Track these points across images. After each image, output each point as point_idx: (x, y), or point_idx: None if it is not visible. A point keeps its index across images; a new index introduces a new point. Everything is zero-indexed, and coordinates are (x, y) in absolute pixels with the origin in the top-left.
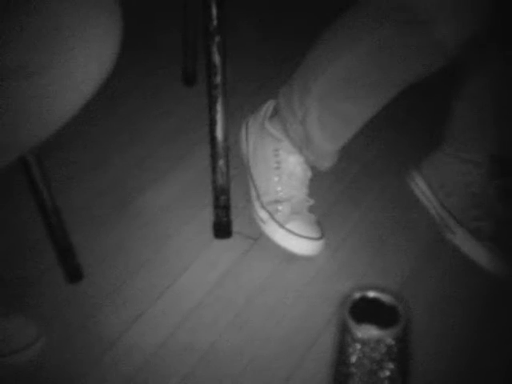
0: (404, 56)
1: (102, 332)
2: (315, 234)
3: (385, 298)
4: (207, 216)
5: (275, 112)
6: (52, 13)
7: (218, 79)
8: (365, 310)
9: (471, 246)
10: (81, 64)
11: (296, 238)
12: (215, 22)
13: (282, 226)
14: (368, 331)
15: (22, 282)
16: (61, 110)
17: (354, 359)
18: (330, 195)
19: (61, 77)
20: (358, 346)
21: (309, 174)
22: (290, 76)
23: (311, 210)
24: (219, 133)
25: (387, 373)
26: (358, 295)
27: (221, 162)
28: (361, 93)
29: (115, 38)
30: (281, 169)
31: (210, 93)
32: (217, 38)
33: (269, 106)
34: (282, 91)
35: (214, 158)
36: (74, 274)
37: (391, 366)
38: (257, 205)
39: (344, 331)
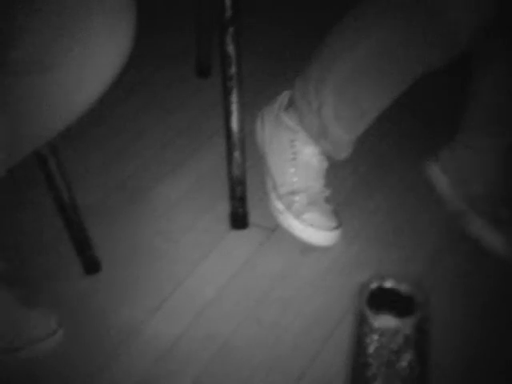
0: (416, 46)
1: (121, 323)
2: (332, 225)
3: (402, 287)
4: (223, 207)
5: (290, 103)
6: (67, 6)
7: (233, 70)
8: (382, 300)
9: (490, 234)
10: (96, 57)
11: (313, 229)
12: (230, 12)
13: (298, 217)
14: (385, 321)
15: (40, 275)
16: (77, 102)
17: (371, 349)
18: (346, 185)
19: (76, 70)
20: (376, 337)
21: (325, 164)
22: (305, 66)
23: (328, 200)
24: (234, 124)
25: (405, 363)
26: (375, 285)
27: (236, 153)
28: (375, 83)
29: (130, 30)
30: (297, 160)
31: (225, 84)
32: (231, 29)
33: (284, 96)
34: (297, 82)
35: (229, 149)
36: (92, 266)
37: (409, 356)
38: (273, 196)
39: (361, 321)
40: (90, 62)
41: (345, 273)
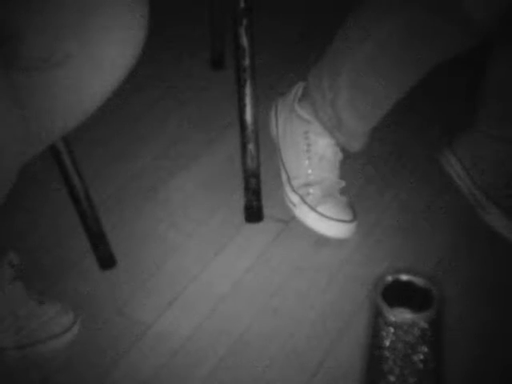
0: (431, 34)
1: (136, 317)
2: (347, 217)
3: (418, 281)
4: (238, 200)
5: (304, 94)
6: (79, 0)
7: (247, 62)
8: (398, 294)
9: (506, 225)
10: (108, 51)
11: (328, 221)
12: (243, 4)
13: (313, 209)
14: (401, 315)
15: (56, 270)
16: (91, 96)
17: (387, 343)
18: (361, 177)
19: (88, 64)
20: (392, 330)
21: (339, 156)
22: (319, 58)
23: (343, 192)
24: (248, 116)
25: (421, 356)
26: (390, 278)
27: (251, 146)
28: (389, 73)
29: (143, 22)
30: (311, 151)
31: (239, 76)
32: (245, 21)
33: (298, 88)
34: (311, 73)
35: (243, 141)
36: (107, 260)
37: (425, 349)
38: (288, 188)
39: (377, 314)
40: (104, 56)
41: (360, 265)
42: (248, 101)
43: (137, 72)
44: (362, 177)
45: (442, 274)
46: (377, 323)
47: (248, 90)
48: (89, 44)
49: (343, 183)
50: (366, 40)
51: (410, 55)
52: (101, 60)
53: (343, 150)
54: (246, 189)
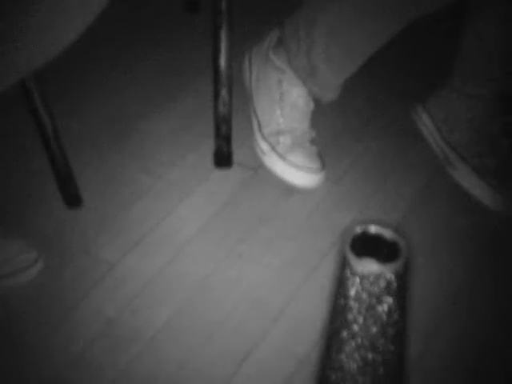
0: None
1: (100, 257)
2: (316, 166)
3: (386, 233)
4: (209, 146)
5: (279, 42)
6: None
7: (223, 5)
8: (365, 245)
9: (473, 182)
10: None
11: (297, 170)
12: None
13: (282, 157)
14: (368, 265)
15: (22, 208)
16: (60, 35)
17: (352, 292)
18: (332, 128)
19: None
20: (358, 280)
21: (311, 105)
22: (296, 6)
23: (313, 142)
24: (223, 61)
25: (385, 307)
26: (359, 229)
27: (223, 91)
28: (366, 25)
29: None
30: (284, 100)
31: (215, 19)
32: None
33: (273, 36)
34: (287, 21)
35: (216, 86)
36: (74, 199)
37: (390, 300)
38: (258, 136)
39: (343, 265)
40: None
41: (327, 215)
42: (223, 45)
43: (107, 13)
44: (333, 128)
45: (408, 226)
46: (343, 273)
47: (223, 35)
48: None
49: (314, 133)
50: None
51: (387, 8)
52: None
53: (316, 100)
54: (217, 134)
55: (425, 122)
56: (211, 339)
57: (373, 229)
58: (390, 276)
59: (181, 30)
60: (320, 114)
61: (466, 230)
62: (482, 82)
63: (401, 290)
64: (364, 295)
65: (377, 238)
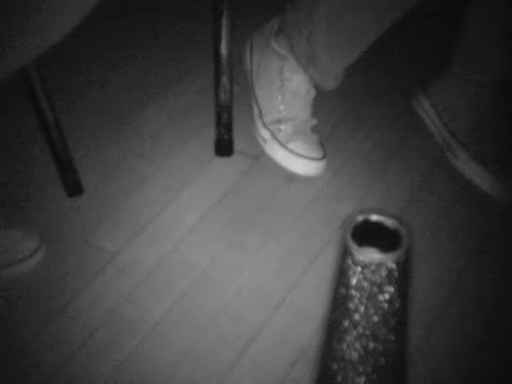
0: None
1: (101, 246)
2: (317, 155)
3: (387, 221)
4: (209, 134)
5: (281, 29)
6: None
7: None
8: (366, 233)
9: (474, 169)
10: None
11: (297, 158)
12: None
13: (283, 145)
14: (370, 254)
15: (22, 195)
16: (61, 21)
17: (354, 281)
18: (333, 116)
19: None
20: (359, 269)
21: (312, 93)
22: None
23: (314, 130)
24: (223, 48)
25: (387, 296)
26: (360, 218)
27: (224, 79)
28: (367, 12)
29: None
30: (285, 88)
31: (215, 6)
32: None
33: (274, 22)
34: (288, 7)
35: (217, 73)
36: (74, 187)
37: (391, 289)
38: (259, 124)
39: (345, 253)
40: None
41: (328, 203)
42: (224, 32)
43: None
44: (335, 115)
45: (409, 215)
46: (344, 262)
47: (224, 22)
48: None
49: (315, 121)
50: None
51: None
52: None
53: (317, 87)
54: (218, 122)
55: (426, 110)
56: (213, 327)
57: (374, 217)
58: (392, 265)
59: (181, 17)
60: (321, 101)
61: (468, 218)
62: (483, 69)
63: (402, 279)
64: (365, 284)
65: (378, 227)
